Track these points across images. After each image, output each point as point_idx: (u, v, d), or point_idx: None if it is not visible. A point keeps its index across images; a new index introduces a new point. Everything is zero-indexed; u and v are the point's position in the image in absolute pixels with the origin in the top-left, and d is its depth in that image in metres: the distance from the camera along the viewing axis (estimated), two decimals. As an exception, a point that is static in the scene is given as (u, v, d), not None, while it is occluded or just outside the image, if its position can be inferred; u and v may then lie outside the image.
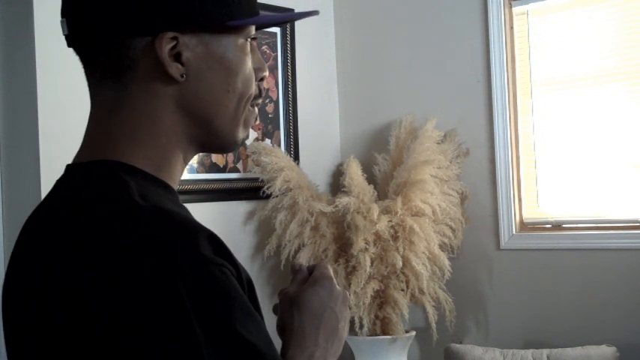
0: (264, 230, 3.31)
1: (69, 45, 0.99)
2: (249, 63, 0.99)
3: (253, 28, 1.00)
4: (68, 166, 0.99)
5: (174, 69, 0.93)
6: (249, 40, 0.99)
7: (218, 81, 0.96)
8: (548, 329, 3.11)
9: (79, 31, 0.96)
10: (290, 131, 3.48)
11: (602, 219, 3.07)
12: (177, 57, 0.93)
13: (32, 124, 2.67)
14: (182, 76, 0.93)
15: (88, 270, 0.82)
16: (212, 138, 0.99)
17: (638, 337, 2.91)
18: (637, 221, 2.97)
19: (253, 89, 1.00)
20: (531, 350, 2.93)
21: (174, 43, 0.92)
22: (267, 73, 1.03)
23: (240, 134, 1.01)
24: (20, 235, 0.96)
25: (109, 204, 0.87)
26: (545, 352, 2.89)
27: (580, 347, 2.85)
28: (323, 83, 3.64)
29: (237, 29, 0.97)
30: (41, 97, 2.67)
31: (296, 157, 3.45)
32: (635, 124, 3.01)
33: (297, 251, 3.13)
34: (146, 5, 0.92)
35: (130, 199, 0.87)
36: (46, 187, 2.63)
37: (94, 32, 0.94)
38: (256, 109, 1.02)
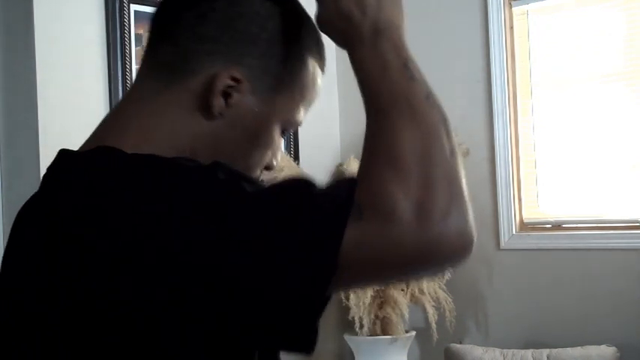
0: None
1: (152, 24, 0.99)
2: (272, 146, 0.97)
3: (299, 120, 0.99)
4: (68, 154, 0.97)
5: (217, 104, 0.91)
6: (283, 130, 0.98)
7: (242, 142, 0.94)
8: (548, 329, 3.11)
9: (177, 20, 0.94)
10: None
11: (602, 219, 3.06)
12: (226, 95, 0.91)
13: (32, 124, 2.67)
14: (218, 114, 0.91)
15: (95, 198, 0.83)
16: None
17: (638, 337, 2.91)
18: (637, 221, 2.97)
19: (258, 171, 0.98)
20: (531, 350, 2.93)
21: (234, 83, 0.91)
22: (275, 166, 1.00)
23: None
24: (15, 222, 0.97)
25: (109, 159, 0.88)
26: (545, 352, 2.89)
27: (580, 347, 2.85)
28: (323, 83, 3.63)
29: (288, 111, 0.96)
30: (41, 97, 2.67)
31: (296, 157, 3.45)
32: (634, 124, 3.01)
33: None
34: (241, 37, 0.92)
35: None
36: (46, 187, 2.64)
37: (187, 30, 0.93)
38: None
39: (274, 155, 0.99)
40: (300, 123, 0.99)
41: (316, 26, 0.96)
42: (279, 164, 1.04)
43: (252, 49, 0.93)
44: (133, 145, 0.88)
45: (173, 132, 0.92)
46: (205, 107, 0.91)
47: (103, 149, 0.89)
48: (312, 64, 0.98)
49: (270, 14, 0.94)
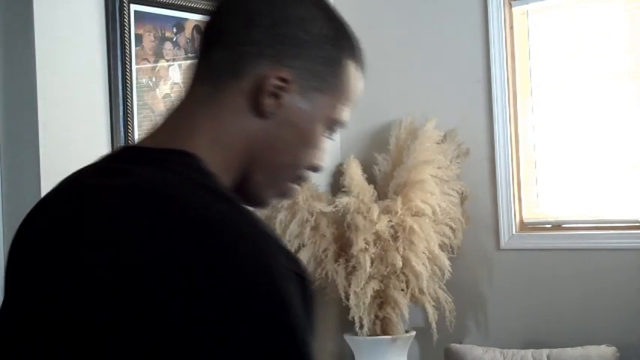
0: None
1: (204, 30, 1.03)
2: (319, 145, 1.02)
3: (343, 119, 1.03)
4: (136, 148, 0.99)
5: (267, 104, 0.96)
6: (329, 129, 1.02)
7: (292, 140, 0.99)
8: (548, 329, 3.11)
9: (227, 25, 0.99)
10: (290, 131, 3.49)
11: (602, 219, 3.06)
12: (276, 96, 0.96)
13: (32, 124, 2.67)
14: (269, 114, 0.96)
15: (185, 260, 0.82)
16: (245, 182, 0.99)
17: (638, 337, 2.91)
18: (637, 221, 2.97)
19: (305, 170, 1.03)
20: (531, 350, 2.93)
21: (283, 84, 0.96)
22: (323, 166, 1.05)
23: (269, 198, 1.03)
24: (58, 200, 0.95)
25: (210, 200, 0.88)
26: (545, 352, 2.89)
27: (580, 347, 2.85)
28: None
29: (333, 111, 1.01)
30: (41, 97, 2.67)
31: (296, 157, 3.45)
32: (634, 124, 3.01)
33: (297, 251, 3.13)
34: (287, 40, 0.97)
35: (228, 199, 0.89)
36: (46, 187, 2.63)
37: (236, 35, 0.98)
38: (295, 188, 1.04)
39: (320, 156, 1.03)
40: (345, 123, 1.04)
41: (351, 29, 1.04)
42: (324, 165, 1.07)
43: (298, 51, 0.97)
44: (204, 148, 0.93)
45: (230, 133, 0.96)
46: (257, 108, 0.96)
47: (182, 157, 0.92)
48: (351, 65, 1.03)
49: (314, 17, 0.99)
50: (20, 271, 0.96)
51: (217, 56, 0.98)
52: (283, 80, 0.95)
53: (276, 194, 1.03)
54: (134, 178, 0.90)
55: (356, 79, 1.04)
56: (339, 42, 1.02)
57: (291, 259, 0.86)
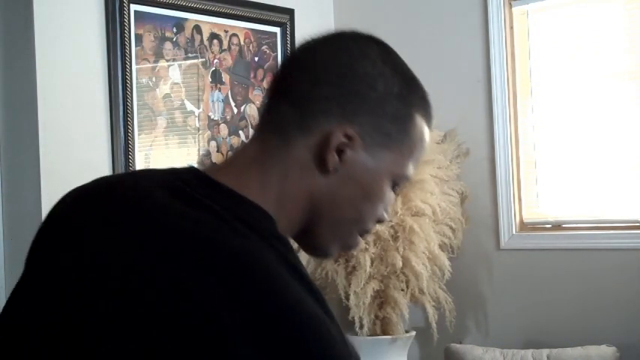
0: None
1: (271, 84, 1.04)
2: (384, 200, 1.02)
3: (409, 174, 1.03)
4: (209, 179, 0.94)
5: (332, 160, 0.96)
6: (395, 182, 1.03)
7: (356, 196, 0.99)
8: (548, 329, 3.11)
9: (295, 80, 1.00)
10: (290, 131, 3.48)
11: (602, 219, 3.06)
12: (340, 152, 0.96)
13: (32, 124, 2.67)
14: (333, 170, 0.97)
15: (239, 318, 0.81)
16: (308, 235, 1.01)
17: (638, 337, 2.91)
18: (637, 221, 2.97)
19: (370, 224, 1.03)
20: (531, 350, 2.93)
21: (348, 140, 0.96)
22: (387, 219, 1.06)
23: (334, 250, 1.04)
24: (115, 204, 0.92)
25: (282, 284, 0.87)
26: (545, 352, 2.89)
27: (580, 347, 2.85)
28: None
29: (399, 167, 1.01)
30: (41, 97, 2.67)
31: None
32: (634, 123, 3.01)
33: (296, 251, 3.13)
34: (353, 97, 0.97)
35: (301, 299, 0.88)
36: (46, 186, 2.63)
37: (303, 91, 0.99)
38: (360, 241, 1.05)
39: (385, 209, 1.04)
40: (410, 178, 1.04)
41: (421, 83, 1.04)
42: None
43: (364, 107, 0.98)
44: (272, 203, 0.94)
45: (296, 189, 0.97)
46: (321, 164, 0.97)
47: (262, 216, 0.92)
48: (419, 121, 1.04)
49: (380, 74, 1.00)
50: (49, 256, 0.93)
51: (285, 112, 0.99)
52: (348, 137, 0.96)
53: (341, 247, 1.04)
54: (221, 231, 0.87)
55: (423, 134, 1.05)
56: (407, 98, 1.02)
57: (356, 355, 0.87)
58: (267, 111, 1.02)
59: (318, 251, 1.05)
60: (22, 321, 0.90)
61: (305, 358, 0.83)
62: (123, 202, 0.92)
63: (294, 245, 1.00)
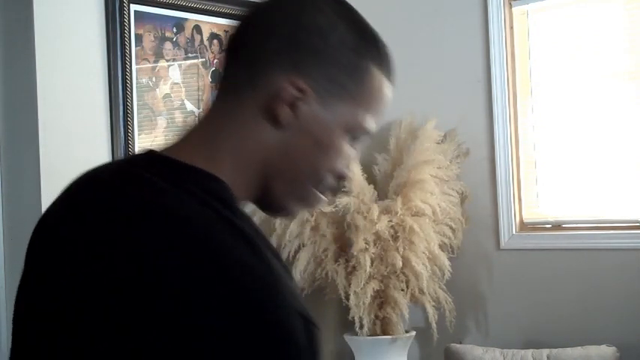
0: (264, 230, 3.29)
1: (226, 45, 1.03)
2: (342, 154, 1.00)
3: (368, 128, 1.01)
4: (163, 159, 0.96)
5: (284, 114, 0.95)
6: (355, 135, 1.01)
7: (311, 150, 0.97)
8: (548, 329, 3.11)
9: (247, 38, 0.99)
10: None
11: (602, 219, 3.06)
12: (292, 105, 0.95)
13: (32, 124, 2.67)
14: (286, 125, 0.95)
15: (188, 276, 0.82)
16: (267, 193, 0.99)
17: (638, 337, 2.91)
18: (637, 221, 2.97)
19: (330, 179, 1.00)
20: (531, 350, 2.93)
21: (300, 94, 0.95)
22: (349, 174, 1.03)
23: (293, 207, 1.02)
24: (77, 195, 0.95)
25: (232, 239, 0.87)
26: (545, 352, 2.89)
27: (580, 347, 2.85)
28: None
29: (355, 119, 0.99)
30: (41, 97, 2.67)
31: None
32: (634, 123, 3.01)
33: (297, 251, 3.13)
34: (304, 50, 0.96)
35: (250, 241, 0.87)
36: (46, 186, 2.64)
37: (254, 47, 0.97)
38: (322, 198, 1.03)
39: (346, 164, 1.01)
40: (370, 131, 1.02)
41: (379, 36, 1.02)
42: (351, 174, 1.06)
43: (316, 59, 0.96)
44: (227, 168, 0.93)
45: (250, 148, 0.96)
46: (274, 118, 0.95)
47: (210, 181, 0.92)
48: (377, 73, 1.01)
49: (333, 26, 0.98)
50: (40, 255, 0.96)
51: (237, 71, 0.98)
52: (300, 90, 0.95)
53: (301, 203, 1.02)
54: (164, 198, 0.89)
55: (382, 86, 1.02)
56: (362, 49, 1.00)
57: (304, 311, 0.86)
58: (223, 75, 1.01)
59: (277, 210, 1.03)
60: (22, 319, 0.94)
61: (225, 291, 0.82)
62: (88, 193, 0.96)
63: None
